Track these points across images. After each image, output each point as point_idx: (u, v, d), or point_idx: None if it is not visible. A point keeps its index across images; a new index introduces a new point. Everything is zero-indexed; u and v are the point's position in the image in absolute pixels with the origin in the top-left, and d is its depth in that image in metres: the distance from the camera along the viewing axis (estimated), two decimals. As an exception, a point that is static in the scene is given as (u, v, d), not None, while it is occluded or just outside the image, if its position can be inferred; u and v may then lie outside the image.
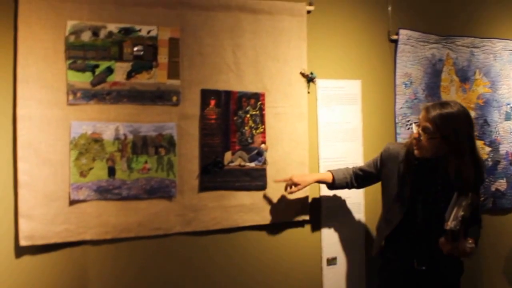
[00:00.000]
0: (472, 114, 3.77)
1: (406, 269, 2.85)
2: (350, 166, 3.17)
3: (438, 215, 2.60)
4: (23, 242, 2.68)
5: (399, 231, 2.84)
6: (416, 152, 2.74)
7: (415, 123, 2.81)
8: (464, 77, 3.82)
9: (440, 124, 2.62)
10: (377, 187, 3.15)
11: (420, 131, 2.68)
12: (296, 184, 3.05)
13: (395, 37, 3.57)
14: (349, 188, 3.15)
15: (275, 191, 3.17)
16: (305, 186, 3.08)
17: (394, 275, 2.93)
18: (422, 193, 2.78)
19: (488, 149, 3.88)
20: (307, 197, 3.27)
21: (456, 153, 2.64)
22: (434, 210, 2.71)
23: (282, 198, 3.17)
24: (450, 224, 2.47)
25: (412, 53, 3.62)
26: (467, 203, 2.50)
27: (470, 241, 2.59)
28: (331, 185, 3.12)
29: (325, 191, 3.28)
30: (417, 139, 2.71)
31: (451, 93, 3.73)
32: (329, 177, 3.10)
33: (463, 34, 3.83)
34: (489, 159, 3.89)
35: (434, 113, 2.63)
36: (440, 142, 2.63)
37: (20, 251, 2.72)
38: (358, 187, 3.17)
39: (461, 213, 2.47)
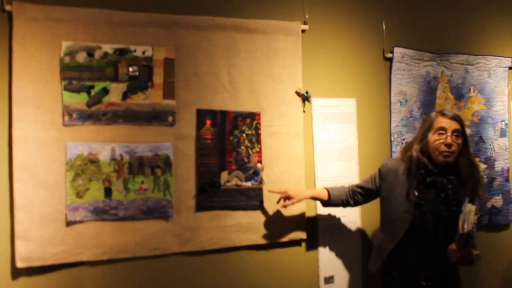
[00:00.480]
0: (468, 131, 3.74)
1: (412, 286, 2.86)
2: (346, 185, 3.18)
3: (450, 219, 2.71)
4: (19, 264, 2.67)
5: (403, 245, 2.85)
6: (449, 159, 2.80)
7: (439, 132, 2.82)
8: (459, 94, 3.84)
9: (462, 122, 2.88)
10: (372, 205, 3.17)
11: (451, 135, 2.78)
12: (290, 198, 3.05)
13: (389, 55, 3.60)
14: (344, 206, 3.14)
15: (271, 210, 3.17)
16: (299, 200, 3.08)
17: None
18: (432, 200, 2.82)
19: (483, 166, 3.88)
20: (303, 216, 3.26)
21: (466, 149, 2.85)
22: (446, 214, 2.77)
23: (279, 217, 3.16)
24: (467, 227, 2.52)
25: (407, 71, 3.63)
26: (476, 208, 2.57)
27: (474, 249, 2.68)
28: (326, 203, 3.11)
29: (321, 209, 3.28)
30: (448, 145, 2.78)
31: (446, 111, 3.73)
32: (324, 194, 3.09)
33: (457, 51, 3.85)
34: (485, 176, 3.89)
35: (452, 114, 2.87)
36: (461, 140, 2.82)
37: (17, 272, 2.71)
38: (354, 205, 3.15)
39: (474, 216, 2.53)
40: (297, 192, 3.09)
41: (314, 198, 3.16)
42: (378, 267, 2.98)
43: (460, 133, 2.81)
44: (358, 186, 3.13)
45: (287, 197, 3.06)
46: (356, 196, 3.11)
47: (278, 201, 3.09)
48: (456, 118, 2.85)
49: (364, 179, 3.18)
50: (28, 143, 2.71)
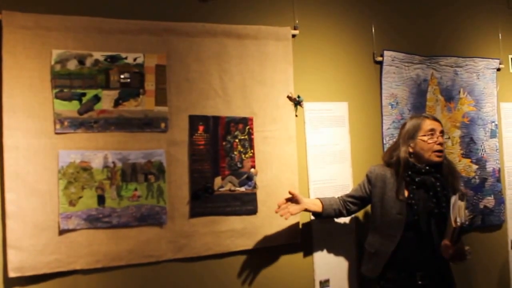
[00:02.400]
0: (458, 132, 3.86)
1: (409, 286, 2.92)
2: (340, 188, 3.27)
3: (440, 216, 2.82)
4: (12, 274, 2.65)
5: (399, 246, 2.90)
6: (441, 158, 2.94)
7: (430, 133, 2.95)
8: (449, 96, 3.87)
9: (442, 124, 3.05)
10: (366, 208, 3.23)
11: (440, 136, 2.94)
12: (295, 200, 2.99)
13: (379, 58, 3.62)
14: (337, 216, 3.20)
15: (266, 215, 3.16)
16: (301, 209, 3.01)
17: None
18: (422, 199, 2.91)
19: (475, 166, 3.92)
20: (297, 220, 3.25)
21: (444, 149, 3.02)
22: (436, 211, 2.86)
23: (273, 222, 3.15)
24: (460, 220, 2.59)
25: (397, 74, 3.67)
26: (465, 203, 2.65)
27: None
28: (319, 214, 3.10)
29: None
30: (441, 144, 2.94)
31: (437, 113, 3.78)
32: (319, 205, 3.09)
33: (446, 54, 3.90)
34: (476, 177, 3.94)
35: (434, 116, 3.07)
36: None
37: (10, 282, 2.69)
38: (347, 214, 3.19)
39: (465, 210, 2.61)
40: (302, 198, 3.05)
41: (308, 210, 3.10)
42: (379, 271, 2.98)
43: (443, 133, 3.00)
44: (348, 196, 3.18)
45: (292, 201, 2.99)
46: (347, 205, 3.14)
47: (279, 208, 2.96)
48: (439, 120, 3.05)
49: (353, 189, 3.24)
50: (20, 152, 2.69)
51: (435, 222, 2.86)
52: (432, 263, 2.88)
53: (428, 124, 2.97)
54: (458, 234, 2.63)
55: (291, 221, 3.19)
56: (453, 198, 2.67)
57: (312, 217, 3.28)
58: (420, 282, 2.88)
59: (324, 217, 3.14)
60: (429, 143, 2.92)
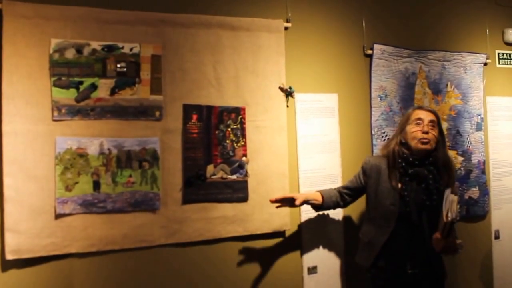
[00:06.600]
0: (445, 125, 3.89)
1: (399, 274, 2.94)
2: (328, 178, 3.32)
3: (431, 208, 2.85)
4: (9, 256, 2.70)
5: (390, 236, 2.93)
6: (427, 146, 2.93)
7: (416, 122, 2.97)
8: (437, 89, 3.93)
9: (438, 116, 3.05)
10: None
11: (428, 125, 2.93)
12: (293, 199, 3.05)
13: (369, 52, 3.67)
14: (335, 208, 3.22)
15: (256, 202, 3.21)
16: (303, 198, 3.08)
17: (389, 283, 3.00)
18: (414, 190, 2.93)
19: (460, 158, 3.98)
20: (287, 207, 3.24)
21: (443, 143, 3.00)
22: (428, 203, 2.89)
23: (264, 209, 3.20)
24: (451, 215, 2.60)
25: (386, 67, 3.71)
26: (458, 198, 2.66)
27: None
28: (320, 206, 3.14)
29: (304, 201, 3.34)
30: (425, 133, 2.92)
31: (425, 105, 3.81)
32: (318, 196, 3.13)
33: (434, 48, 3.94)
34: (462, 168, 3.99)
35: (429, 108, 3.11)
36: (437, 131, 2.95)
37: (7, 264, 2.74)
38: (343, 206, 3.23)
39: (457, 205, 2.62)
40: (298, 194, 3.14)
41: (309, 202, 3.14)
42: (372, 261, 3.01)
43: (435, 123, 2.97)
44: (344, 187, 3.21)
45: (289, 199, 3.06)
46: (344, 197, 3.17)
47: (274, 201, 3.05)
48: (432, 111, 3.04)
49: (348, 180, 3.26)
50: (18, 138, 2.73)
51: (427, 214, 2.88)
52: (423, 254, 2.90)
53: (416, 114, 3.00)
54: (449, 229, 2.64)
55: (281, 209, 3.17)
56: (447, 192, 2.66)
57: (305, 206, 3.29)
58: (410, 271, 2.91)
59: (324, 209, 3.19)
60: (413, 132, 2.94)
